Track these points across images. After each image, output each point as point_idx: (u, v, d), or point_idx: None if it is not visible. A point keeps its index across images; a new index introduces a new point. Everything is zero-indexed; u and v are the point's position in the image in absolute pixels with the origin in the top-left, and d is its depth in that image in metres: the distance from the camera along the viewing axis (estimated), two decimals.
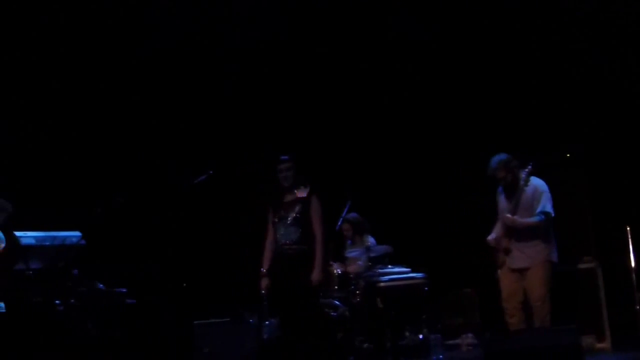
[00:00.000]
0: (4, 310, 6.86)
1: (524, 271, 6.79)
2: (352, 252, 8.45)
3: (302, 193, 6.77)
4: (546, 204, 6.77)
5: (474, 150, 7.47)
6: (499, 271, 6.94)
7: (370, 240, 8.45)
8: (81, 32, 9.21)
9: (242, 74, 9.60)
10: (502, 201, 6.96)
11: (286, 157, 6.84)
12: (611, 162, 8.16)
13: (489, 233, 7.04)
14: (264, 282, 6.75)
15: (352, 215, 8.54)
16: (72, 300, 6.69)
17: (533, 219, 6.74)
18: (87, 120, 9.34)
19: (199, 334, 7.97)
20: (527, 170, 6.72)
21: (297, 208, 6.76)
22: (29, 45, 9.06)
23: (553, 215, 6.78)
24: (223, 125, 9.48)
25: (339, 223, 8.31)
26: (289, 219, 6.73)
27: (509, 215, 6.72)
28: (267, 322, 8.12)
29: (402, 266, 8.28)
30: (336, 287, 8.08)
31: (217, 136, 9.28)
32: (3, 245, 7.04)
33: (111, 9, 9.18)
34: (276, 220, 6.80)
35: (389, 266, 8.30)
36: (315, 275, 6.65)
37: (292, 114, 9.75)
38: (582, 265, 7.89)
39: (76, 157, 9.23)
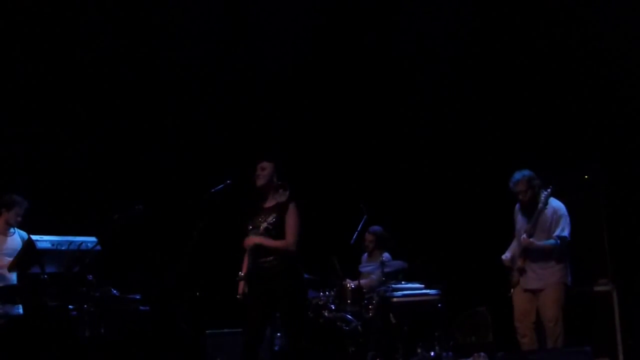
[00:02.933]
0: (21, 313, 6.92)
1: (537, 292, 6.77)
2: (366, 267, 8.44)
3: (281, 198, 6.30)
4: (565, 228, 6.74)
5: (492, 169, 7.45)
6: (512, 290, 6.91)
7: (386, 255, 8.43)
8: (107, 44, 9.34)
9: (262, 87, 9.65)
10: (519, 220, 6.93)
11: (266, 157, 6.37)
12: (629, 183, 8.10)
13: (504, 252, 7.02)
14: (240, 287, 6.28)
15: (377, 228, 8.55)
16: (86, 306, 6.70)
17: (549, 242, 6.70)
18: (109, 128, 9.41)
19: (211, 343, 7.99)
20: (547, 191, 6.69)
21: (271, 217, 6.21)
22: (58, 55, 9.18)
23: (569, 239, 6.74)
24: (242, 135, 9.50)
25: (354, 237, 8.30)
26: (261, 228, 6.20)
27: (525, 237, 6.68)
28: (279, 334, 8.12)
29: (417, 282, 8.26)
30: (349, 301, 8.07)
31: (236, 146, 9.32)
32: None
33: (136, 25, 9.30)
34: (250, 227, 6.28)
35: (403, 282, 8.29)
36: (256, 239, 6.14)
37: (313, 128, 9.78)
38: (597, 288, 7.84)
39: (96, 163, 9.29)
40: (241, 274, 6.25)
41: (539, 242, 6.70)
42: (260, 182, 6.28)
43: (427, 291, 8.15)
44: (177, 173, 9.35)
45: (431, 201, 9.39)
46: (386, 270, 8.15)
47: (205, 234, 6.48)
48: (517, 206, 6.98)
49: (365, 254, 8.63)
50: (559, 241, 6.70)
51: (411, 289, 8.18)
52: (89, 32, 9.22)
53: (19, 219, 7.39)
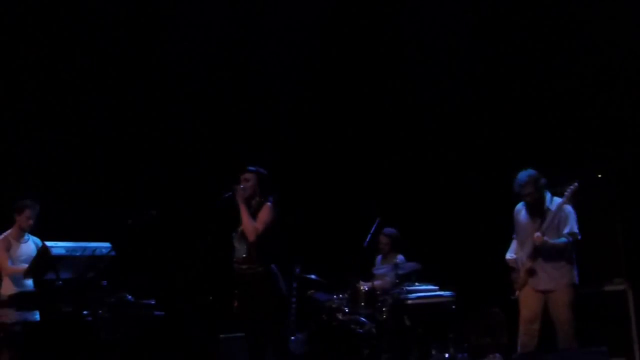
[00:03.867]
0: (37, 319, 6.95)
1: (547, 293, 6.66)
2: (380, 269, 8.44)
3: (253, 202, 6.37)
4: (574, 225, 6.65)
5: (505, 169, 7.41)
6: (518, 292, 6.80)
7: (400, 257, 8.44)
8: (120, 50, 9.39)
9: (272, 93, 9.67)
10: (523, 220, 6.80)
11: (251, 167, 6.46)
12: None
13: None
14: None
15: (392, 230, 8.54)
16: (101, 311, 6.73)
17: (561, 240, 6.60)
18: (124, 134, 9.45)
19: (225, 347, 8.00)
20: (572, 187, 6.57)
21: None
22: (73, 61, 9.25)
23: (580, 237, 6.67)
24: (254, 139, 9.52)
25: (367, 239, 8.30)
26: (239, 232, 6.36)
27: (539, 234, 6.54)
28: (292, 338, 8.14)
29: (430, 284, 8.25)
30: (363, 303, 8.07)
31: (248, 151, 9.33)
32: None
33: (140, 34, 9.35)
34: (234, 234, 6.44)
35: (417, 284, 8.28)
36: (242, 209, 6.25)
37: (327, 130, 9.80)
38: (612, 287, 7.80)
39: (110, 168, 9.33)
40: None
41: (552, 240, 6.59)
42: (246, 193, 6.35)
43: (441, 293, 8.14)
44: (191, 178, 9.37)
45: (445, 203, 9.38)
46: (400, 272, 8.15)
47: (218, 239, 6.49)
48: (520, 207, 6.85)
49: (380, 256, 8.63)
50: (571, 238, 6.61)
51: (425, 290, 8.17)
52: (106, 40, 9.28)
53: (31, 222, 7.42)
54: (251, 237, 6.24)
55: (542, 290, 6.68)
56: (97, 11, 9.24)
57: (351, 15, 9.58)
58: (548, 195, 6.70)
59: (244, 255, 6.31)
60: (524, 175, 6.67)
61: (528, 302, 6.73)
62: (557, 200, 6.71)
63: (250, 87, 9.73)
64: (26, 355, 6.73)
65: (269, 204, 6.37)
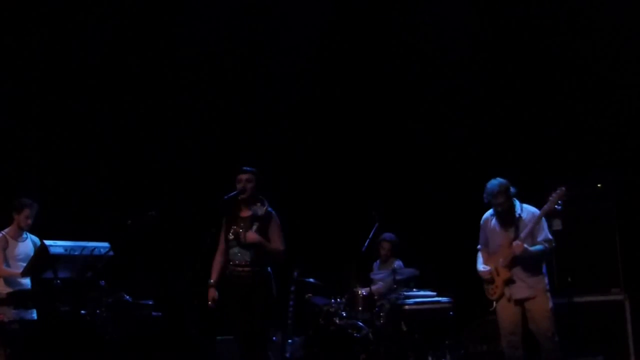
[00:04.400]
0: (35, 318, 6.95)
1: (525, 302, 6.55)
2: (378, 274, 8.44)
3: (259, 210, 6.39)
4: (547, 232, 6.60)
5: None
6: (496, 304, 6.70)
7: (398, 263, 8.44)
8: (122, 48, 9.40)
9: (276, 93, 9.68)
10: (494, 229, 6.72)
11: (248, 168, 6.48)
12: None
13: None
14: (211, 294, 6.42)
15: (392, 236, 8.55)
16: (99, 311, 6.73)
17: (539, 248, 6.53)
18: (124, 134, 9.46)
19: (222, 350, 7.99)
20: (558, 192, 6.48)
21: (254, 227, 6.34)
22: (73, 60, 9.26)
23: (554, 244, 6.62)
24: (253, 145, 9.53)
25: (366, 244, 8.30)
26: (242, 237, 6.33)
27: (518, 243, 6.43)
28: (290, 341, 8.14)
29: (428, 290, 8.25)
30: (360, 308, 8.07)
31: (249, 153, 9.34)
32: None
33: (152, 33, 9.41)
34: (230, 237, 6.41)
35: (415, 289, 8.28)
36: (256, 236, 6.29)
37: (325, 135, 9.81)
38: (609, 297, 7.79)
39: (109, 169, 9.33)
40: (211, 281, 6.42)
41: (531, 247, 6.50)
42: (247, 193, 6.38)
43: (439, 299, 8.14)
44: (191, 179, 9.38)
45: (444, 209, 9.38)
46: (398, 277, 8.15)
47: (217, 241, 6.50)
48: (488, 216, 6.77)
49: (378, 262, 8.63)
50: (547, 245, 6.55)
51: (423, 296, 8.17)
52: (107, 41, 9.29)
53: (29, 221, 7.41)
54: (279, 260, 6.42)
55: (520, 298, 6.56)
56: (104, 5, 9.27)
57: (352, 14, 9.60)
58: (517, 203, 6.65)
59: (248, 260, 6.34)
60: (494, 184, 6.60)
61: (506, 313, 6.63)
62: (527, 207, 6.66)
63: (252, 91, 9.75)
64: (24, 353, 6.73)
65: (274, 213, 6.45)
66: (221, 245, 6.52)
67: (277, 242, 6.40)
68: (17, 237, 7.42)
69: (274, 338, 7.96)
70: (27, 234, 7.47)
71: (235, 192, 6.36)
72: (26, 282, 7.27)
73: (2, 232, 7.42)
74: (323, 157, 9.78)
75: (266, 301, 6.34)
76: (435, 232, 9.26)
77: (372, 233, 8.30)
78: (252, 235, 6.31)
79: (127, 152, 9.44)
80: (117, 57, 9.39)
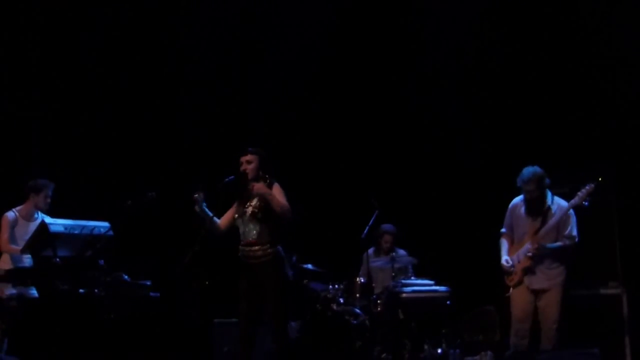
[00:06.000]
0: (36, 296, 6.97)
1: (540, 293, 6.65)
2: (376, 262, 8.46)
3: (262, 188, 6.27)
4: (574, 228, 6.64)
5: (504, 168, 7.41)
6: (512, 290, 6.77)
7: (402, 251, 8.47)
8: (123, 32, 9.43)
9: (274, 79, 9.68)
10: (522, 216, 6.77)
11: (251, 148, 6.41)
12: None
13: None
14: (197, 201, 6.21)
15: (391, 227, 8.56)
16: (97, 290, 6.76)
17: (558, 245, 6.60)
18: (126, 113, 9.47)
19: (219, 332, 8.01)
20: (587, 188, 6.54)
21: (255, 201, 6.26)
22: (74, 39, 9.29)
23: (578, 240, 6.66)
24: (251, 128, 9.54)
25: (365, 232, 8.31)
26: (247, 214, 6.27)
27: (533, 245, 6.56)
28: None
29: (426, 279, 8.27)
30: (358, 295, 8.09)
31: (248, 137, 9.35)
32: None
33: (151, 19, 9.45)
34: (236, 216, 6.36)
35: (413, 278, 8.30)
36: (264, 188, 6.21)
37: (326, 122, 9.81)
38: (607, 290, 7.79)
39: (110, 148, 9.35)
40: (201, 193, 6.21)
41: (550, 244, 6.59)
42: (251, 175, 6.33)
43: (437, 288, 8.15)
44: (191, 161, 9.39)
45: (444, 198, 9.39)
46: (396, 265, 8.18)
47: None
48: (518, 201, 6.80)
49: (372, 249, 8.64)
50: (568, 242, 6.61)
51: (421, 285, 8.19)
52: (107, 25, 9.32)
53: (48, 200, 7.42)
54: (287, 215, 6.21)
55: (536, 289, 6.66)
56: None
57: (357, 11, 9.59)
58: (549, 195, 6.68)
59: (255, 237, 6.25)
60: (528, 171, 6.63)
61: (520, 301, 6.71)
62: (558, 200, 6.70)
63: (251, 76, 9.75)
64: (21, 330, 6.76)
65: (277, 184, 6.33)
66: (224, 218, 6.46)
67: (282, 201, 6.24)
68: (30, 217, 7.39)
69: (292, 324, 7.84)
70: (40, 213, 7.43)
71: (232, 176, 6.33)
72: (29, 261, 7.25)
73: (15, 210, 7.41)
74: (323, 144, 9.77)
75: (278, 283, 6.22)
76: (435, 221, 9.27)
77: (372, 220, 8.31)
78: (258, 185, 6.22)
79: (128, 133, 9.45)
80: (116, 39, 9.40)
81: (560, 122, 8.73)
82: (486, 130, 9.19)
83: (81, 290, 6.74)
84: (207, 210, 6.28)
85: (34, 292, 7.05)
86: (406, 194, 9.46)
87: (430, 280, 8.23)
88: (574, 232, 6.64)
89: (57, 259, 6.70)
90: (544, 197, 6.65)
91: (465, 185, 9.26)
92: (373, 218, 8.30)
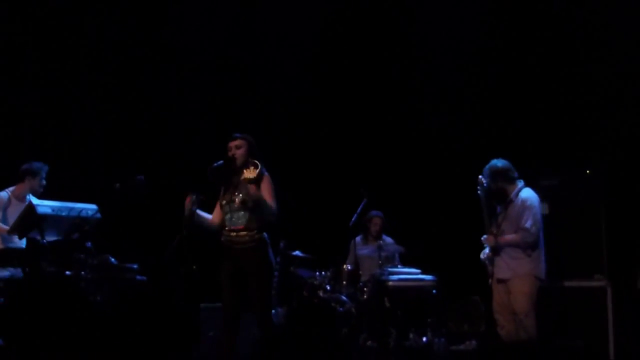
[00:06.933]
0: (21, 277, 6.95)
1: (507, 282, 6.70)
2: (363, 250, 8.48)
3: (250, 174, 6.23)
4: (529, 219, 6.61)
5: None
6: (490, 281, 6.85)
7: (388, 239, 8.50)
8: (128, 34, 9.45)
9: (265, 73, 9.68)
10: (496, 209, 6.86)
11: (238, 134, 6.36)
12: (629, 179, 8.10)
13: None
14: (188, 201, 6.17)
15: (379, 213, 8.59)
16: (84, 272, 6.74)
17: (512, 237, 6.65)
18: (115, 96, 9.45)
19: (205, 317, 8.02)
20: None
21: (244, 190, 6.18)
22: (68, 29, 9.26)
23: (532, 231, 6.62)
24: (245, 115, 9.53)
25: (353, 219, 8.33)
26: (236, 201, 6.20)
27: (488, 237, 6.69)
28: (272, 311, 8.16)
29: (413, 267, 8.29)
30: (345, 282, 8.12)
31: (239, 125, 9.35)
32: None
33: (145, 15, 9.49)
34: (224, 202, 6.30)
35: (400, 266, 8.33)
36: (254, 189, 6.13)
37: (314, 113, 9.82)
38: (592, 283, 7.82)
39: (99, 130, 9.33)
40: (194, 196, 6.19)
41: (504, 239, 6.65)
42: (240, 160, 6.28)
43: (423, 277, 8.19)
44: (180, 146, 9.38)
45: (431, 188, 9.41)
46: (383, 254, 8.20)
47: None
48: (483, 194, 6.83)
49: (360, 237, 8.66)
50: (522, 234, 6.60)
51: (407, 273, 8.22)
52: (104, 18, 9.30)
53: (44, 182, 7.41)
54: (271, 220, 6.20)
55: (500, 278, 6.72)
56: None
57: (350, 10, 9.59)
58: (519, 187, 6.71)
59: (244, 223, 6.21)
60: (488, 165, 6.74)
61: (495, 291, 6.80)
62: (527, 192, 6.71)
63: (244, 68, 9.74)
64: (7, 311, 6.74)
65: (267, 175, 6.30)
66: (215, 212, 6.45)
67: (271, 202, 6.22)
68: (23, 198, 7.37)
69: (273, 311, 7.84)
70: (30, 195, 7.37)
71: (221, 162, 6.30)
72: (22, 241, 7.22)
73: (7, 190, 7.38)
74: (312, 132, 9.78)
75: (263, 269, 6.21)
76: (422, 211, 9.30)
77: (359, 208, 8.33)
78: (253, 189, 6.17)
79: (118, 116, 9.43)
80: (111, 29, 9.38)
81: (549, 115, 8.76)
82: (474, 120, 9.22)
83: (67, 272, 6.71)
84: (199, 212, 6.27)
85: (19, 273, 7.03)
86: (394, 183, 9.49)
87: (417, 269, 8.26)
88: (528, 224, 6.60)
89: (44, 241, 6.68)
90: (504, 189, 6.69)
91: (453, 175, 9.28)
92: (361, 206, 8.32)
